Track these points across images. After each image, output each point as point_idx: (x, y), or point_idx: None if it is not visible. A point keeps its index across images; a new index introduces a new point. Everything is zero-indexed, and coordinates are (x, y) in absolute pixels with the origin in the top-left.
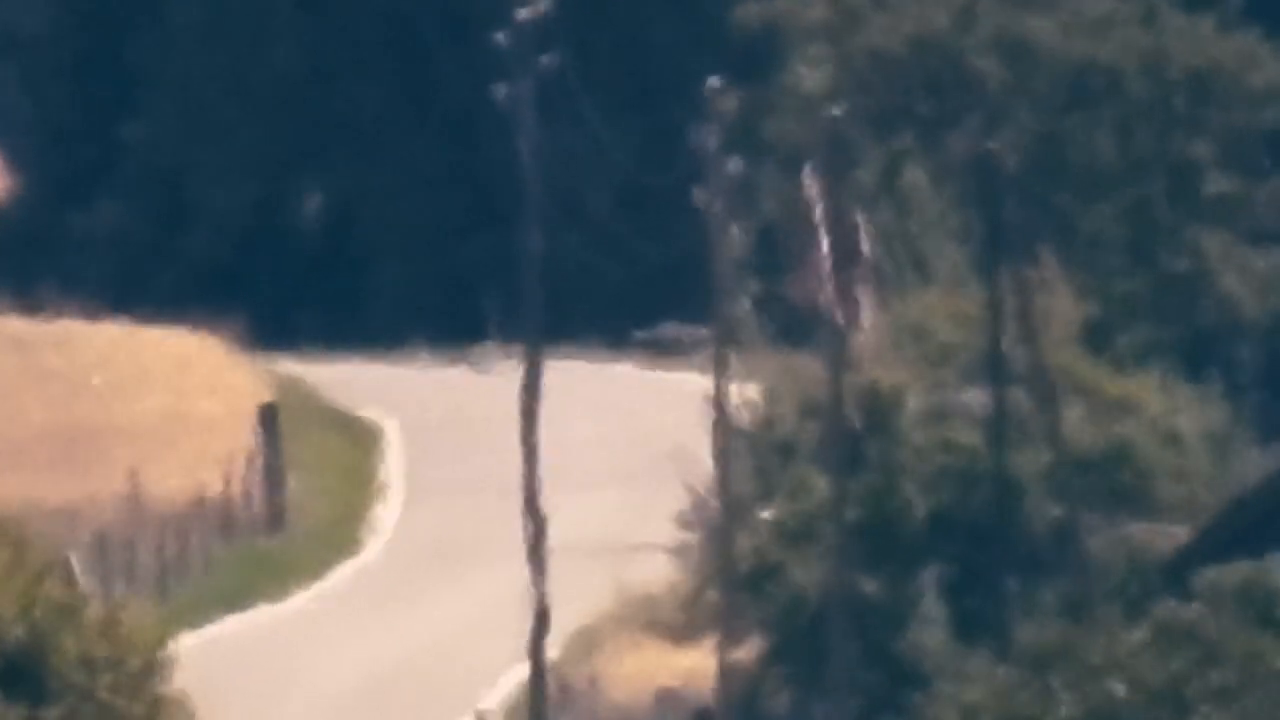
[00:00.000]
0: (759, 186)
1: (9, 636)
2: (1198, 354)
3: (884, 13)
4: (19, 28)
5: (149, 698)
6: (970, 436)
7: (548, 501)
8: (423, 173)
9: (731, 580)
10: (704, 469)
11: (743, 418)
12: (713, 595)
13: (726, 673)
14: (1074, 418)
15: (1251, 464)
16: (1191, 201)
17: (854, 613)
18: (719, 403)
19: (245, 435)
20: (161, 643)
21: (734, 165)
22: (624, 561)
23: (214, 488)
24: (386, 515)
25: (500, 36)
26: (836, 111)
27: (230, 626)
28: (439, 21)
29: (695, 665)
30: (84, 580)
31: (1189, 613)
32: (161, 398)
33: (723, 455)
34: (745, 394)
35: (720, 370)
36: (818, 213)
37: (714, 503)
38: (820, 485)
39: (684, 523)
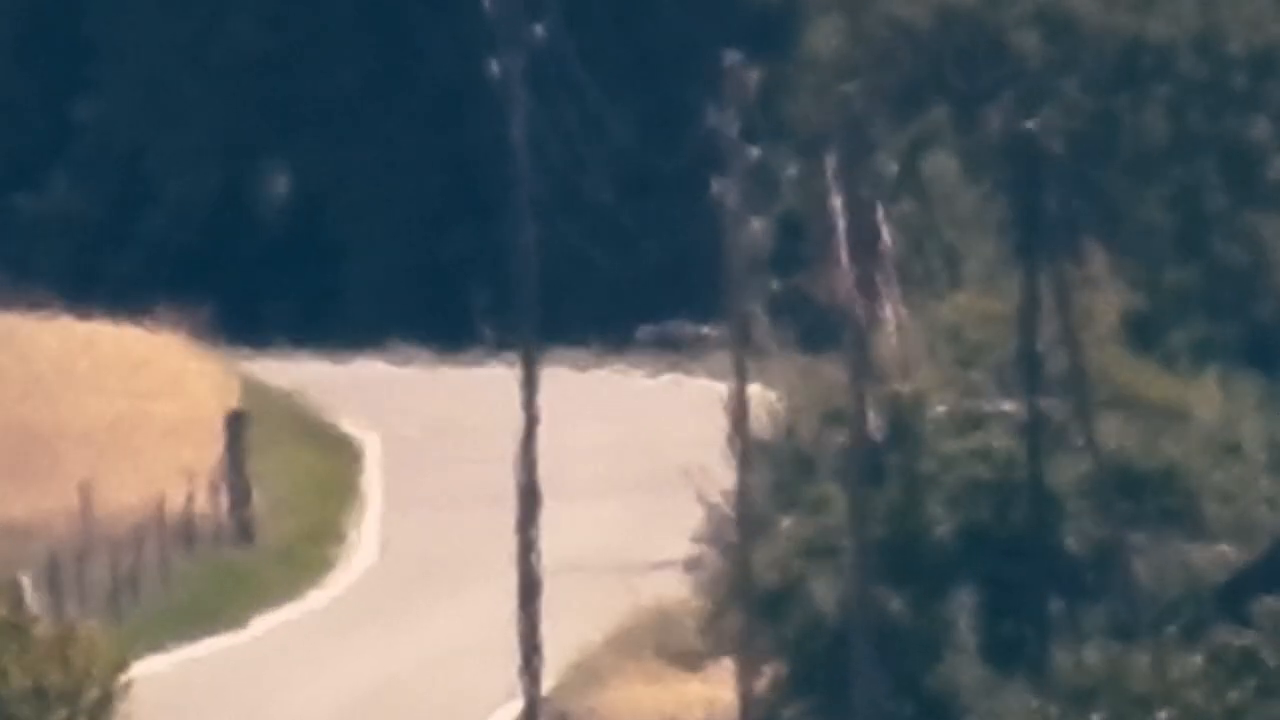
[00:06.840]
0: (776, 172)
1: None
2: (1256, 352)
3: None
4: None
5: None
6: (1004, 445)
7: (546, 513)
8: (402, 155)
9: (749, 601)
10: (717, 480)
11: (760, 425)
12: (728, 617)
13: (742, 703)
14: (1118, 427)
15: None
16: (1249, 186)
17: (880, 638)
18: (736, 409)
19: (209, 442)
20: (120, 670)
21: (752, 152)
22: (630, 580)
23: (175, 500)
24: (365, 530)
25: (488, 4)
26: (853, 86)
27: (192, 651)
28: None
29: (707, 695)
30: (35, 600)
31: (1246, 639)
32: (118, 401)
33: (741, 465)
34: (762, 399)
35: (738, 374)
36: (837, 202)
37: (730, 515)
38: (842, 498)
39: (698, 538)
